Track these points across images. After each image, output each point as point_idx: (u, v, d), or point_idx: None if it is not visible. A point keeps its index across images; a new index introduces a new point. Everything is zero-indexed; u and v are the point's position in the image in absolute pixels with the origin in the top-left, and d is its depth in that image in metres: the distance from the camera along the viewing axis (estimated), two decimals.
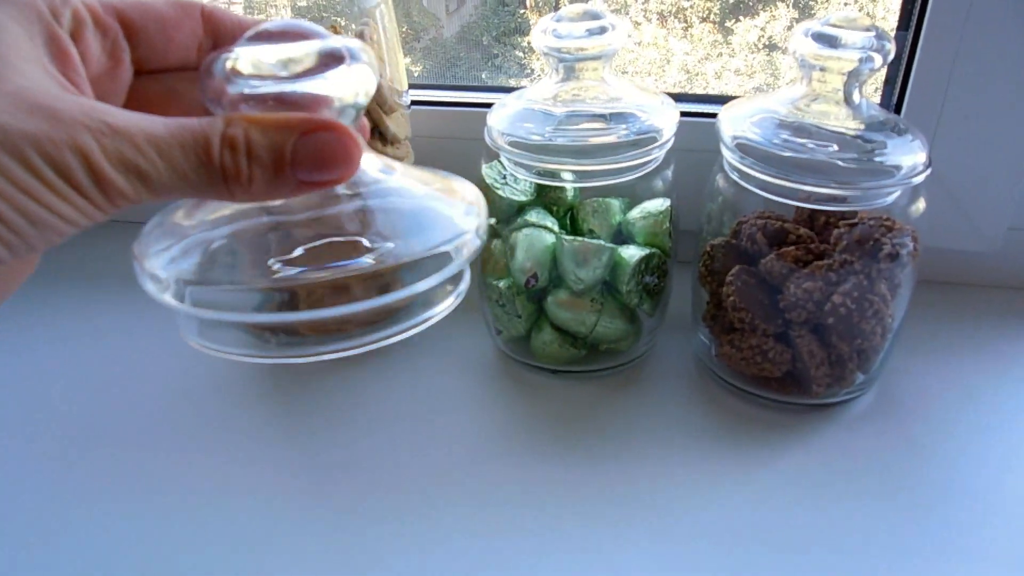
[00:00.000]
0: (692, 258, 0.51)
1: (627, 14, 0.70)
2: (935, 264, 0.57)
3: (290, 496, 0.44)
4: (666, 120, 0.46)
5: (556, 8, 0.71)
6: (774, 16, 0.70)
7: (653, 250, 0.47)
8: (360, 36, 0.46)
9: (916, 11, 0.51)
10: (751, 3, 0.70)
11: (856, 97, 0.43)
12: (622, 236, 0.49)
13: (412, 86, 0.58)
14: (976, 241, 0.55)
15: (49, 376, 0.53)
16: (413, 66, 0.73)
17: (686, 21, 0.71)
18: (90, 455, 0.47)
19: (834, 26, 0.41)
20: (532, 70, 0.75)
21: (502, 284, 0.49)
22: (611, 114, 0.46)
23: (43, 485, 0.45)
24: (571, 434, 0.48)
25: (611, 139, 0.44)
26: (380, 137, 0.49)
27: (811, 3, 0.69)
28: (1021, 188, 0.53)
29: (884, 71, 0.55)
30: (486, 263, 0.51)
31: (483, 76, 0.76)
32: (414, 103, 0.57)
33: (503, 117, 0.47)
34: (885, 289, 0.44)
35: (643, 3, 0.71)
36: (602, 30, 0.44)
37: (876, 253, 0.43)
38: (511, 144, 0.46)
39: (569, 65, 0.45)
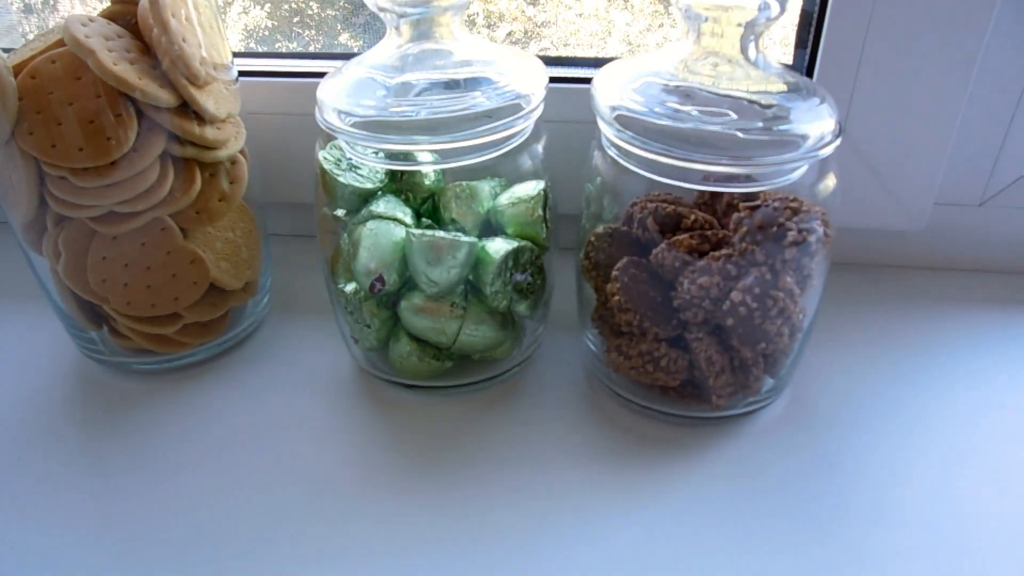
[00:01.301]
0: (576, 245, 0.44)
1: None
2: (852, 245, 0.51)
3: (94, 542, 0.36)
4: (533, 84, 0.38)
5: None
6: None
7: (523, 243, 0.40)
8: None
9: None
10: None
11: (752, 53, 0.36)
12: (492, 228, 0.42)
13: (241, 54, 0.49)
14: (899, 219, 0.49)
15: None
16: (352, 41, 0.66)
17: None
18: None
19: None
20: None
21: (349, 288, 0.41)
22: (467, 79, 0.38)
23: None
24: (438, 460, 0.40)
25: (469, 109, 0.36)
26: (195, 116, 0.40)
27: None
28: (948, 159, 0.47)
29: (795, 32, 0.48)
30: (334, 262, 0.43)
31: None
32: (245, 74, 0.49)
33: (337, 90, 0.39)
34: (792, 283, 0.37)
35: None
36: None
37: (780, 240, 0.36)
38: (348, 122, 0.37)
39: (412, 20, 0.37)
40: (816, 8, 0.45)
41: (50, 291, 0.45)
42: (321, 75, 0.48)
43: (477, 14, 0.68)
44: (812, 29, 0.46)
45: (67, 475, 0.40)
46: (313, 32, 0.67)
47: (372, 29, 0.66)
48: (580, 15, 0.69)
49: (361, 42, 0.66)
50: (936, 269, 0.53)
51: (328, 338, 0.48)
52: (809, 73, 0.47)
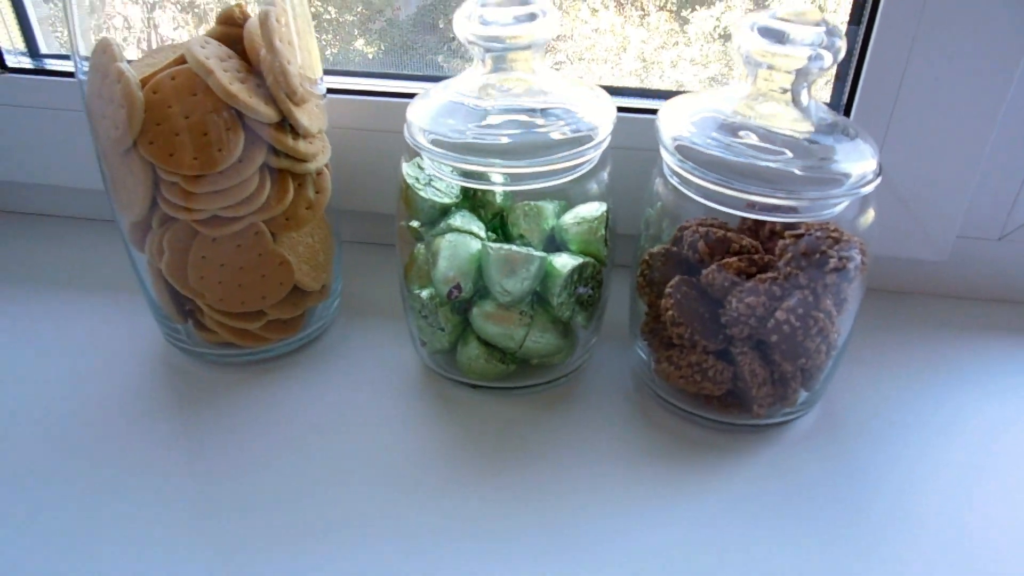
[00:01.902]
0: (630, 262, 0.48)
1: (585, 0, 0.68)
2: (882, 272, 0.55)
3: (186, 527, 0.40)
4: (602, 117, 0.42)
5: None
6: (730, 6, 0.68)
7: (587, 259, 0.44)
8: (264, 18, 0.42)
9: (869, 5, 0.48)
10: None
11: (804, 98, 0.40)
12: (555, 243, 0.46)
13: (329, 72, 0.53)
14: (926, 249, 0.53)
15: None
16: (367, 47, 0.69)
17: (643, 9, 0.70)
18: None
19: (782, 20, 0.38)
20: None
21: (424, 294, 0.45)
22: (543, 110, 0.42)
23: None
24: (498, 455, 0.44)
25: (543, 138, 0.41)
26: (291, 130, 0.44)
27: None
28: (971, 195, 0.51)
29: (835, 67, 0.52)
30: (408, 270, 0.47)
31: (439, 60, 0.73)
32: (331, 91, 0.53)
33: (424, 112, 0.43)
34: (831, 305, 0.41)
35: None
36: (532, 16, 0.40)
37: (822, 267, 0.40)
38: (433, 142, 0.41)
39: (497, 55, 0.41)
40: (857, 50, 0.49)
41: (146, 285, 0.49)
42: (390, 94, 0.53)
43: None
44: (852, 66, 0.50)
45: (160, 453, 0.44)
46: (329, 36, 0.70)
47: (387, 35, 0.69)
48: (596, 30, 0.70)
49: (375, 48, 0.69)
50: (957, 298, 0.56)
51: (394, 339, 0.52)
52: (847, 109, 0.51)
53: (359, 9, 0.68)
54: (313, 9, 0.67)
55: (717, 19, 0.69)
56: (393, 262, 0.56)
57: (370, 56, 0.70)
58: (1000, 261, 0.55)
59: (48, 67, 0.60)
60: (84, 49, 0.42)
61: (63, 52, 0.62)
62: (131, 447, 0.44)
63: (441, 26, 0.73)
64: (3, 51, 0.58)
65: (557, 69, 0.67)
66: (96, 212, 0.64)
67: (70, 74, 0.58)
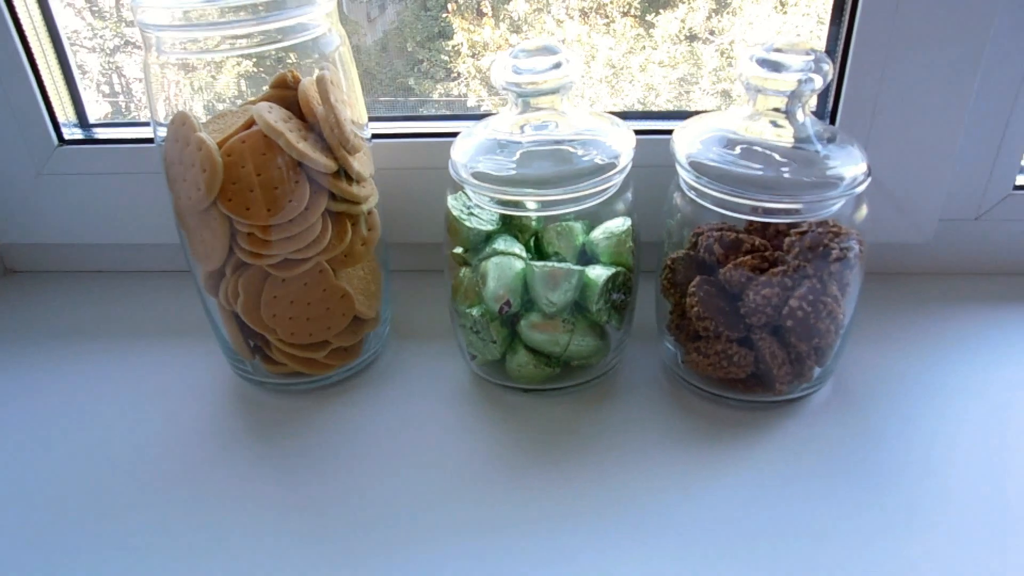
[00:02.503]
0: (653, 267, 0.54)
1: (549, 12, 0.71)
2: (877, 257, 0.61)
3: (281, 539, 0.45)
4: (624, 146, 0.48)
5: (478, 13, 0.72)
6: (692, 8, 0.72)
7: (618, 268, 0.50)
8: (321, 80, 0.47)
9: (845, 25, 0.54)
10: None
11: (800, 116, 0.46)
12: (586, 256, 0.51)
13: (371, 119, 0.59)
14: (912, 233, 0.59)
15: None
16: None
17: (607, 16, 0.72)
18: (79, 520, 0.47)
19: (777, 50, 0.44)
20: (459, 74, 0.75)
21: (475, 311, 0.51)
22: (570, 144, 0.48)
23: (31, 553, 0.45)
24: (551, 449, 0.49)
25: (572, 169, 0.46)
26: (346, 177, 0.50)
27: None
28: (949, 182, 0.57)
29: None
30: (456, 291, 0.52)
31: (410, 82, 0.77)
32: (374, 136, 0.58)
33: (466, 150, 0.48)
34: (836, 290, 0.47)
35: (564, 1, 0.71)
36: (558, 65, 0.46)
37: (826, 258, 0.46)
38: (475, 176, 0.47)
39: (527, 99, 0.47)
40: (838, 62, 0.55)
41: (219, 326, 0.54)
42: (418, 135, 0.58)
43: (461, 44, 0.73)
44: (835, 79, 0.56)
45: (242, 479, 0.49)
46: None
47: (355, 62, 0.73)
48: (563, 41, 0.72)
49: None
50: (944, 274, 0.63)
51: (443, 355, 0.57)
52: (833, 115, 0.57)
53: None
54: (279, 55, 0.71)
55: (682, 21, 0.73)
56: (433, 286, 0.61)
57: None
58: (979, 238, 0.61)
59: (96, 136, 0.65)
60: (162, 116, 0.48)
61: (106, 121, 0.67)
62: (213, 473, 0.49)
63: (409, 49, 0.77)
64: (60, 124, 0.63)
65: (622, 113, 0.71)
66: (159, 264, 0.70)
67: (120, 141, 0.64)
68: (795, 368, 0.49)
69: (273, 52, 0.48)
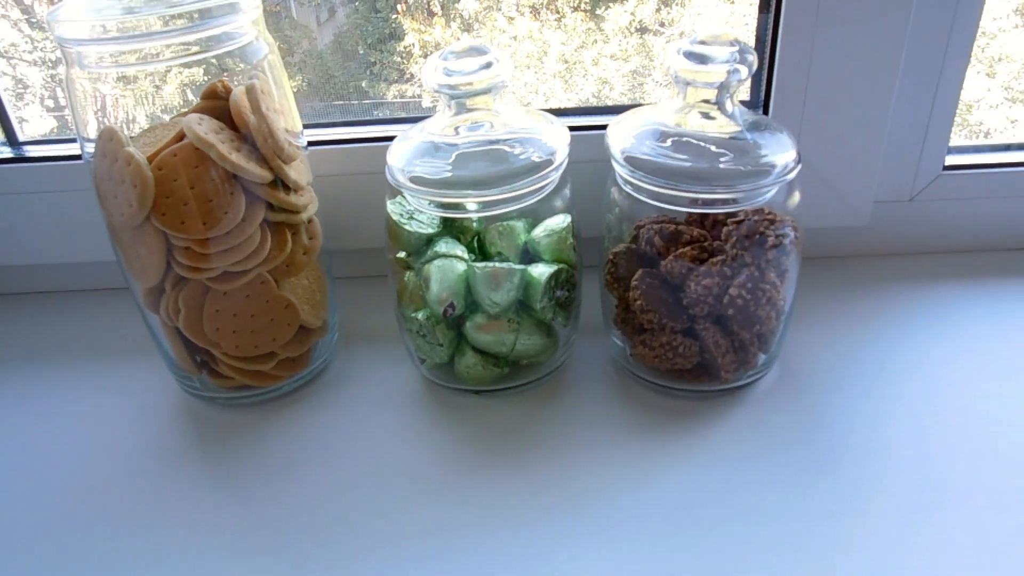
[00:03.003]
0: (596, 262, 0.54)
1: (499, 9, 0.71)
2: (815, 242, 0.62)
3: (239, 556, 0.44)
4: (559, 142, 0.48)
5: (429, 13, 0.72)
6: (642, 0, 0.73)
7: (561, 266, 0.50)
8: (251, 90, 0.47)
9: (772, 13, 0.55)
10: None
11: (729, 106, 0.46)
12: (529, 255, 0.51)
13: (305, 126, 0.58)
14: (849, 217, 0.60)
15: None
16: (291, 81, 0.73)
17: (558, 12, 0.72)
18: (22, 547, 0.46)
19: (702, 43, 0.45)
20: (412, 75, 0.75)
21: (420, 315, 0.50)
22: (506, 143, 0.48)
23: None
24: (505, 449, 0.50)
25: (509, 168, 0.46)
26: (283, 186, 0.49)
27: None
28: (882, 165, 0.58)
29: None
30: (401, 295, 0.52)
31: (363, 85, 0.76)
32: (309, 143, 0.58)
33: (402, 154, 0.48)
34: (775, 277, 0.48)
35: None
36: (489, 64, 0.46)
37: (762, 245, 0.47)
38: (412, 180, 0.47)
39: (461, 100, 0.47)
40: (767, 54, 0.56)
41: (162, 343, 0.53)
42: (358, 140, 0.58)
43: (413, 45, 0.72)
44: (764, 70, 0.57)
45: (194, 493, 0.48)
46: None
47: (308, 67, 0.71)
48: (515, 38, 0.73)
49: (298, 81, 0.72)
50: (879, 255, 0.64)
51: (393, 360, 0.57)
52: (766, 104, 0.58)
53: (277, 44, 0.71)
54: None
55: (632, 13, 0.74)
56: (379, 291, 0.61)
57: (295, 88, 0.72)
58: (913, 219, 0.63)
59: (27, 154, 0.64)
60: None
61: (37, 139, 0.66)
62: (166, 493, 0.48)
63: (361, 52, 0.77)
64: None
65: (556, 110, 0.71)
66: (96, 283, 0.68)
67: (52, 159, 0.62)
68: (739, 356, 0.50)
69: (205, 62, 0.47)
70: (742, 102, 0.57)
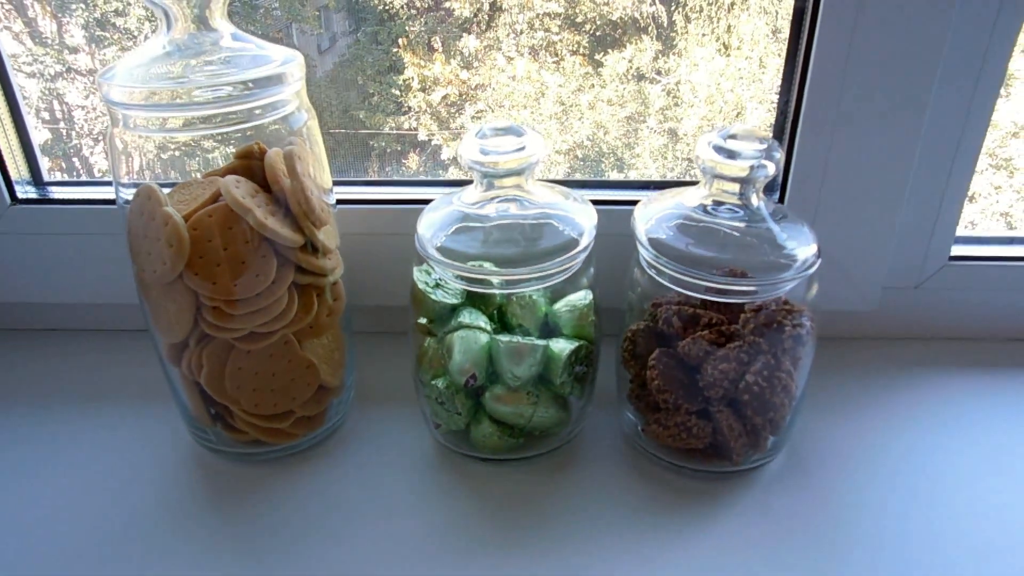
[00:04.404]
0: (613, 332, 0.55)
1: (499, 49, 0.73)
2: (823, 324, 0.63)
3: None
4: (586, 223, 0.49)
5: (429, 48, 0.74)
6: (640, 48, 0.74)
7: (581, 342, 0.51)
8: (289, 156, 0.48)
9: (791, 113, 0.57)
10: (617, 36, 0.74)
11: (754, 200, 0.48)
12: (549, 327, 0.52)
13: (335, 182, 0.60)
14: (857, 301, 0.62)
15: None
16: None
17: (557, 55, 0.74)
18: None
19: (732, 137, 0.46)
20: (409, 108, 0.76)
21: (440, 383, 0.51)
22: (534, 222, 0.49)
23: None
24: (514, 518, 0.50)
25: (537, 249, 0.48)
26: (312, 249, 0.50)
27: (672, 35, 0.74)
28: (891, 253, 0.60)
29: None
30: (421, 361, 0.53)
31: (360, 116, 0.77)
32: (338, 201, 0.59)
33: (432, 225, 0.49)
34: (789, 364, 0.49)
35: (515, 39, 0.73)
36: (522, 148, 0.47)
37: (780, 333, 0.48)
38: (441, 253, 0.48)
39: (492, 179, 0.48)
40: (787, 140, 0.58)
41: (179, 392, 0.53)
42: (384, 201, 0.59)
43: (412, 79, 0.74)
44: (783, 156, 0.59)
45: (202, 546, 0.48)
46: None
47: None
48: (513, 78, 0.74)
49: None
50: (887, 339, 0.66)
51: (407, 422, 0.57)
52: (783, 188, 0.59)
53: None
54: None
55: (629, 61, 0.76)
56: (395, 348, 0.62)
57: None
58: (919, 306, 0.64)
59: (52, 195, 0.65)
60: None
61: (63, 179, 0.67)
62: (174, 547, 0.49)
63: (360, 81, 0.78)
64: (13, 182, 0.63)
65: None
66: (117, 323, 0.69)
67: (75, 201, 0.63)
68: (751, 439, 0.51)
69: (249, 129, 0.48)
70: None
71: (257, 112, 0.47)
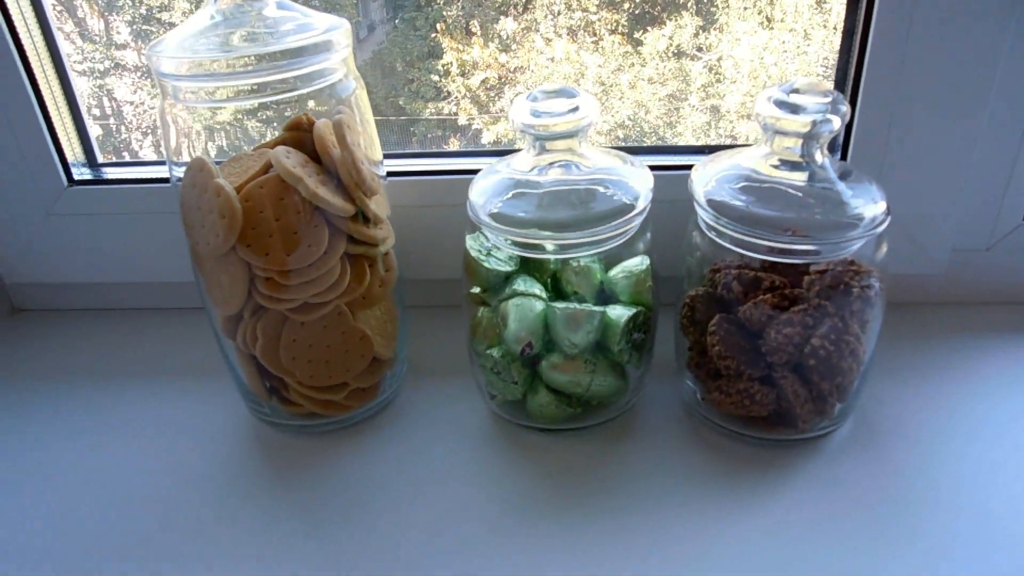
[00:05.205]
0: (671, 300, 0.54)
1: (537, 31, 0.72)
2: (890, 288, 0.61)
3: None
4: (642, 187, 0.48)
5: (467, 32, 0.73)
6: (679, 25, 0.73)
7: (639, 308, 0.49)
8: (338, 124, 0.47)
9: (855, 49, 0.54)
10: (656, 13, 0.73)
11: (818, 157, 0.46)
12: (605, 294, 0.51)
13: (385, 155, 0.59)
14: (925, 264, 0.59)
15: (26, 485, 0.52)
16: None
17: (596, 34, 0.73)
18: (89, 568, 0.46)
19: (795, 91, 0.44)
20: (449, 93, 0.76)
21: (495, 353, 0.50)
22: (588, 186, 0.48)
23: None
24: (573, 490, 0.49)
25: (592, 213, 0.46)
26: (363, 219, 0.49)
27: (713, 10, 0.72)
28: (960, 214, 0.57)
29: None
30: (475, 331, 0.52)
31: (400, 102, 0.77)
32: (388, 174, 0.58)
33: (484, 192, 0.48)
34: (858, 328, 0.47)
35: (552, 19, 0.72)
36: (575, 109, 0.46)
37: (847, 296, 0.46)
38: (494, 219, 0.47)
39: (545, 141, 0.47)
40: (848, 95, 0.56)
41: (235, 368, 0.54)
42: (436, 172, 0.58)
43: (451, 63, 0.74)
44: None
45: (263, 519, 0.48)
46: None
47: None
48: (552, 59, 0.73)
49: None
50: (956, 303, 0.63)
51: (461, 394, 0.57)
52: (845, 147, 0.57)
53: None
54: None
55: (669, 38, 0.74)
56: (448, 321, 0.61)
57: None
58: (990, 268, 0.61)
59: (105, 176, 0.65)
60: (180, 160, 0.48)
61: (112, 161, 0.67)
62: (231, 517, 0.49)
63: (400, 69, 0.77)
64: (70, 164, 0.63)
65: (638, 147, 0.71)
66: (172, 302, 0.69)
67: (129, 181, 0.64)
68: (817, 406, 0.49)
69: (297, 98, 0.48)
70: None
71: (304, 79, 0.46)
